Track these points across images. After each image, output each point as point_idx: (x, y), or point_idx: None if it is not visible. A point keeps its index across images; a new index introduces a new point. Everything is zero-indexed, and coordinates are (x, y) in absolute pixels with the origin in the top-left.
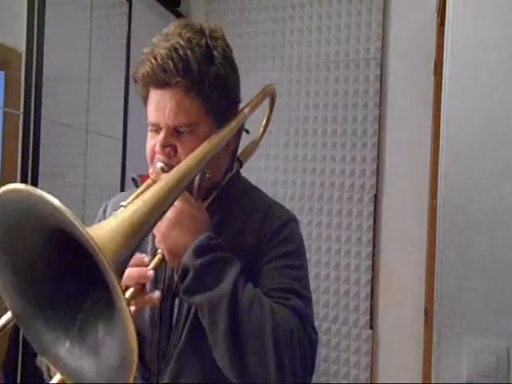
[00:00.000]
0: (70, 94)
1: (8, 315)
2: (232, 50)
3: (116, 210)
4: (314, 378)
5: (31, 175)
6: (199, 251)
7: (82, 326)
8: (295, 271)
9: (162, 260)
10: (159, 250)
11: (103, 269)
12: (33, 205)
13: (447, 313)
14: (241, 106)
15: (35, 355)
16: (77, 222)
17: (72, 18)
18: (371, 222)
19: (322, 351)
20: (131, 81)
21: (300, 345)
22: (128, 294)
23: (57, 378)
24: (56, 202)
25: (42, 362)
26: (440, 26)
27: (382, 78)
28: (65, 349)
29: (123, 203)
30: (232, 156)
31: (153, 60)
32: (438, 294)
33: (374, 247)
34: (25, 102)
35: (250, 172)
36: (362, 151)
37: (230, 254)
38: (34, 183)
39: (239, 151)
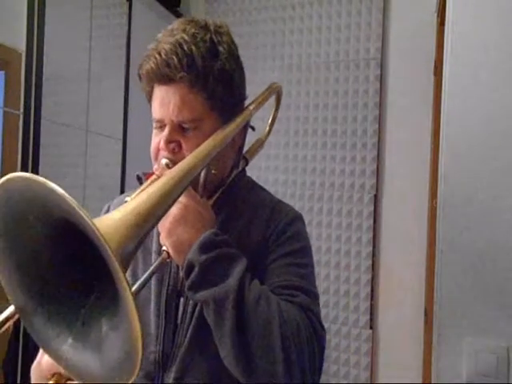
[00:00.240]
0: (70, 94)
1: (10, 309)
2: (237, 47)
3: None
4: None
5: None
6: (205, 247)
7: (85, 321)
8: (302, 269)
9: (168, 257)
10: (164, 248)
11: (108, 259)
12: (37, 194)
13: (447, 313)
14: (246, 103)
15: (35, 355)
16: (82, 212)
17: (72, 18)
18: (371, 222)
19: None
20: (131, 81)
21: (308, 341)
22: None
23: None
24: (60, 190)
25: None
26: (440, 25)
27: (382, 78)
28: (68, 344)
29: (127, 198)
30: (238, 153)
31: (157, 55)
32: (438, 294)
33: (374, 247)
34: (25, 102)
35: (250, 172)
36: (362, 151)
37: (236, 250)
38: None
39: (245, 149)
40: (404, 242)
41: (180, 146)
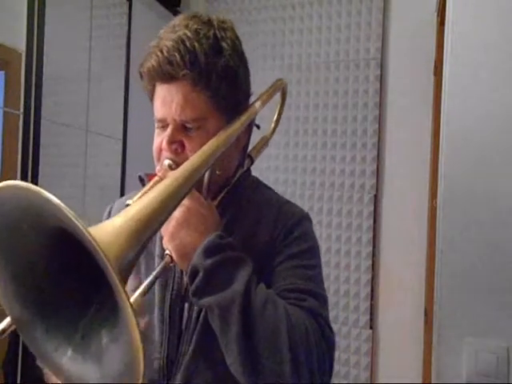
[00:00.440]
0: (70, 94)
1: (8, 320)
2: (241, 42)
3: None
4: None
5: (31, 175)
6: (209, 251)
7: (84, 333)
8: (309, 271)
9: (171, 262)
10: (167, 251)
11: (106, 271)
12: (32, 203)
13: (447, 313)
14: (251, 100)
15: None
16: (78, 222)
17: (72, 18)
18: (371, 221)
19: None
20: (131, 81)
21: (317, 346)
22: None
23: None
24: (55, 199)
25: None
26: (440, 25)
27: (381, 78)
28: (67, 357)
29: (129, 201)
30: (242, 152)
31: (159, 53)
32: (438, 294)
33: (374, 247)
34: (25, 102)
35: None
36: (362, 151)
37: (242, 253)
38: (34, 183)
39: (250, 147)
40: (404, 242)
41: (183, 147)
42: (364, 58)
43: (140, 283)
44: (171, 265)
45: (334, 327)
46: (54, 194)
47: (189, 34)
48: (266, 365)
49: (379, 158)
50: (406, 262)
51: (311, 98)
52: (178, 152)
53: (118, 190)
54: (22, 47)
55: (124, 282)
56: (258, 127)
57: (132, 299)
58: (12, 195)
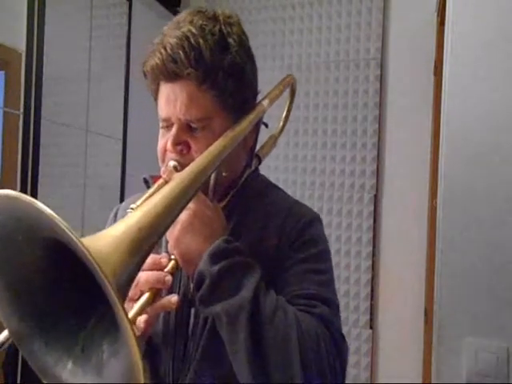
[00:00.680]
0: (70, 94)
1: (6, 333)
2: (248, 38)
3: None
4: None
5: (31, 175)
6: (216, 257)
7: (85, 346)
8: (320, 276)
9: (177, 267)
10: (172, 256)
11: (103, 286)
12: (25, 213)
13: (447, 313)
14: (258, 98)
15: None
16: (71, 233)
17: (72, 18)
18: (371, 221)
19: None
20: (131, 81)
21: (328, 355)
22: (143, 299)
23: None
24: (49, 211)
25: None
26: (440, 25)
27: (381, 78)
28: (67, 370)
29: (133, 205)
30: (250, 152)
31: (162, 50)
32: (438, 294)
33: (374, 247)
34: (25, 102)
35: None
36: (362, 151)
37: (250, 258)
38: (34, 183)
39: (257, 147)
40: (404, 241)
41: (188, 147)
42: (364, 58)
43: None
44: (177, 270)
45: None
46: (54, 195)
47: (193, 30)
48: (275, 374)
49: (379, 158)
50: (406, 262)
51: (311, 98)
52: (184, 153)
53: (117, 189)
54: (22, 47)
55: (124, 296)
56: (267, 126)
57: (131, 314)
58: (5, 205)
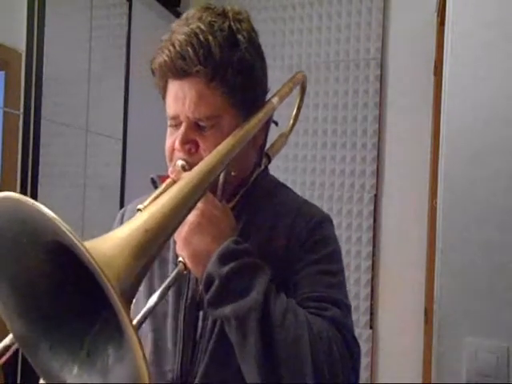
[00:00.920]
0: (69, 94)
1: (11, 336)
2: (258, 34)
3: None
4: None
5: (31, 175)
6: (224, 258)
7: (90, 350)
8: (331, 277)
9: (185, 269)
10: (180, 258)
11: (106, 291)
12: (28, 215)
13: (447, 313)
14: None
15: None
16: (73, 237)
17: (72, 18)
18: (371, 221)
19: None
20: (131, 81)
21: (341, 358)
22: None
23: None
24: (51, 214)
25: None
26: (440, 25)
27: (381, 78)
28: (73, 375)
29: (140, 206)
30: (260, 151)
31: (171, 47)
32: (438, 293)
33: (374, 247)
34: (25, 102)
35: None
36: (362, 151)
37: (259, 259)
38: (34, 183)
39: (267, 145)
40: (404, 241)
41: (197, 146)
42: (364, 58)
43: (153, 290)
44: (185, 272)
45: None
46: (54, 195)
47: (202, 26)
48: (286, 377)
49: (379, 158)
50: (406, 262)
51: (311, 98)
52: (192, 152)
53: (117, 190)
54: (22, 47)
55: (129, 302)
56: (277, 124)
57: (135, 321)
58: (7, 207)
